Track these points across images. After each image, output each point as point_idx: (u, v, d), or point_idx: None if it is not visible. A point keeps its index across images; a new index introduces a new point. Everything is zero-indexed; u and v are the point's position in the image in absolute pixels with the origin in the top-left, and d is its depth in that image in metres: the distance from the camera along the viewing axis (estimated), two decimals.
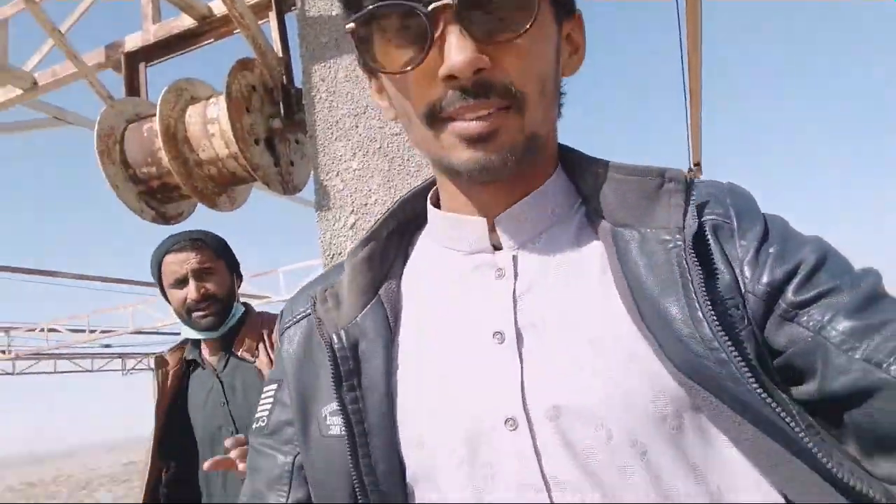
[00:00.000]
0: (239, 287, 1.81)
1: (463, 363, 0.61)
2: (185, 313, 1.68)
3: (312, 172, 1.64)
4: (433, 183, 0.70)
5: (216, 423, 1.66)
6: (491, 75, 0.54)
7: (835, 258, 0.58)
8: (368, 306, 0.66)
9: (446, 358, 0.62)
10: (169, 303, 1.74)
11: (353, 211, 1.58)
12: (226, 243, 1.77)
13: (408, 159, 1.55)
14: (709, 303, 0.54)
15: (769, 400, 0.52)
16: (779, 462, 0.54)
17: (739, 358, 0.52)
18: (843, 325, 0.53)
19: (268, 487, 0.70)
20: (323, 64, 1.69)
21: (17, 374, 10.45)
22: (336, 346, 0.64)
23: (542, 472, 0.56)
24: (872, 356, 0.51)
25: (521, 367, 0.58)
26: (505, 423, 0.57)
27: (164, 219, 2.00)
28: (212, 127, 1.79)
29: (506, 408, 0.57)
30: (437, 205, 0.69)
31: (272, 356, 1.61)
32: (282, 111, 1.90)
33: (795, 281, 0.55)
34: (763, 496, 0.54)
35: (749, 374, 0.52)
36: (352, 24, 0.56)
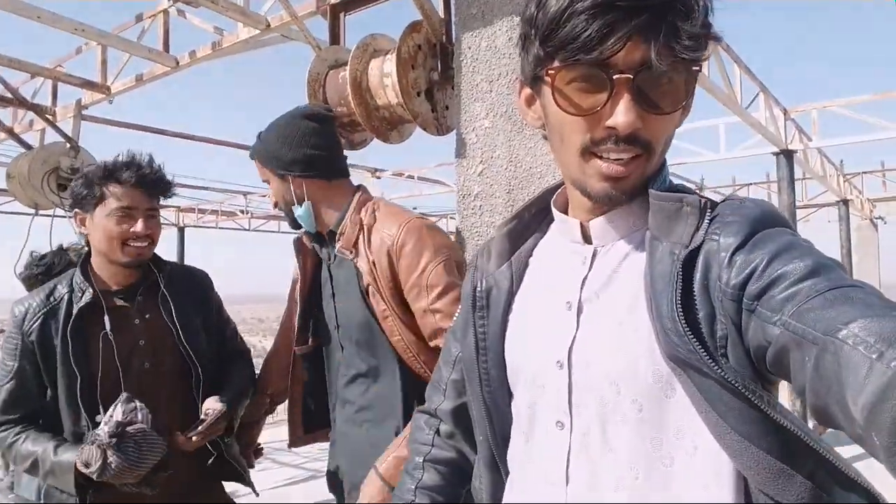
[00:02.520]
0: (315, 182, 1.65)
1: (545, 318, 0.85)
2: None
3: (456, 125, 2.09)
4: (563, 183, 0.91)
5: (329, 317, 1.69)
6: (639, 133, 0.71)
7: (790, 251, 0.65)
8: (503, 267, 0.92)
9: (537, 313, 0.86)
10: None
11: (481, 161, 2.02)
12: (270, 151, 1.64)
13: (526, 124, 1.93)
14: (680, 306, 0.68)
15: (726, 376, 0.65)
16: (724, 434, 0.67)
17: (701, 347, 0.66)
18: (776, 299, 0.62)
19: (444, 364, 1.08)
20: (470, 33, 2.08)
21: (252, 230, 12.69)
22: (477, 289, 0.92)
23: (569, 399, 0.79)
24: (787, 322, 0.60)
25: (576, 329, 0.80)
26: (556, 363, 0.81)
27: (352, 145, 2.60)
28: (386, 80, 2.30)
29: (559, 353, 0.80)
30: (557, 202, 0.91)
31: (371, 255, 1.56)
32: (439, 66, 2.34)
33: (752, 277, 0.65)
34: (717, 459, 0.70)
35: (709, 360, 0.66)
36: (553, 70, 0.72)
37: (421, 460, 1.07)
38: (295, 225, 1.71)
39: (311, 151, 1.64)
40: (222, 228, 12.55)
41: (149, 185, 1.71)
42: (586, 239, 0.85)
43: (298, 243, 1.81)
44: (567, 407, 0.79)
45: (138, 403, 1.55)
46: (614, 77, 0.69)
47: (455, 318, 1.09)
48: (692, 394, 0.69)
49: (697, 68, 0.72)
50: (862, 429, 0.53)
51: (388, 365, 1.57)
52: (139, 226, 1.69)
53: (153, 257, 1.81)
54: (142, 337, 1.72)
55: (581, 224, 0.85)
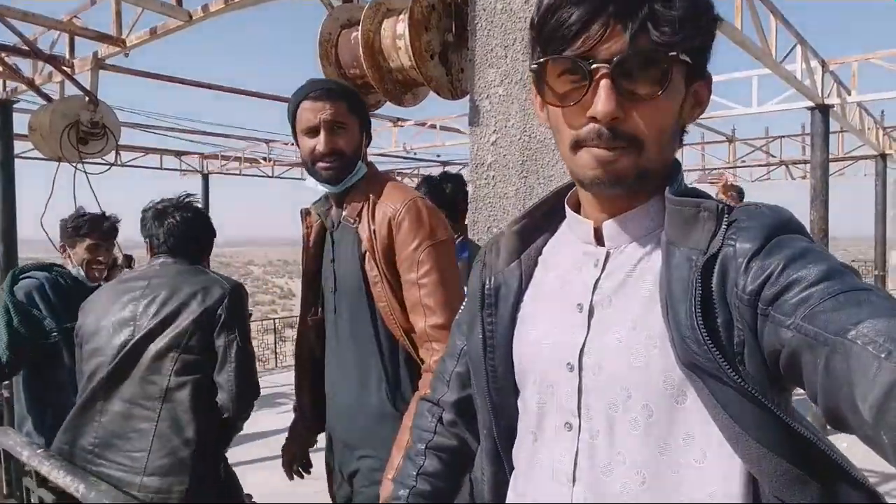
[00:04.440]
0: (367, 146, 1.79)
1: (555, 319, 0.85)
2: (311, 162, 1.68)
3: (469, 92, 2.03)
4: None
5: (328, 281, 1.76)
6: (621, 124, 0.73)
7: (804, 257, 0.66)
8: (512, 264, 0.92)
9: (547, 313, 0.87)
10: (299, 147, 1.74)
11: (494, 130, 1.96)
12: (362, 102, 1.76)
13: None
14: (701, 315, 0.68)
15: (744, 385, 0.66)
16: (740, 441, 0.68)
17: (720, 356, 0.67)
18: (789, 304, 0.63)
19: (449, 356, 1.08)
20: None
21: (274, 177, 12.73)
22: (486, 286, 0.93)
23: (579, 402, 0.80)
24: (799, 325, 0.62)
25: (587, 332, 0.80)
26: (566, 365, 0.81)
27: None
28: (399, 42, 2.22)
29: (570, 356, 0.81)
30: (570, 201, 0.91)
31: (373, 224, 1.64)
32: (454, 27, 2.25)
33: (767, 283, 0.66)
34: (726, 466, 0.70)
35: (729, 368, 0.67)
36: (535, 66, 0.77)
37: (423, 447, 1.09)
38: (329, 178, 1.67)
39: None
40: (246, 175, 12.60)
41: None
42: (598, 240, 0.84)
43: (304, 213, 1.85)
44: (576, 409, 0.80)
45: None
46: (592, 67, 0.71)
47: (460, 313, 1.10)
48: (707, 400, 0.70)
49: (675, 54, 0.72)
50: (871, 428, 0.53)
51: (372, 330, 1.65)
52: None
53: None
54: None
55: (595, 226, 0.84)
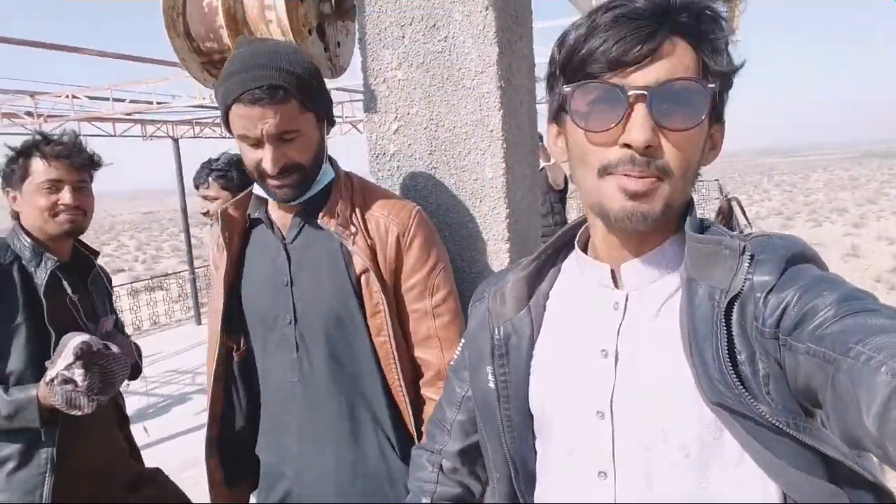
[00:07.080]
0: (329, 133, 1.46)
1: (577, 366, 0.83)
2: (258, 176, 1.35)
3: (362, 77, 1.86)
4: (585, 220, 0.89)
5: (275, 309, 1.39)
6: (656, 152, 0.72)
7: (819, 285, 0.68)
8: (521, 312, 0.90)
9: (566, 360, 0.85)
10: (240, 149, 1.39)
11: (396, 118, 1.83)
12: (316, 81, 1.35)
13: (447, 78, 1.77)
14: (728, 358, 0.69)
15: (775, 422, 0.67)
16: (780, 470, 0.70)
17: (749, 397, 0.68)
18: (806, 331, 0.65)
19: (448, 403, 1.06)
20: None
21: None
22: (495, 337, 0.90)
23: (613, 451, 0.79)
24: (810, 347, 0.64)
25: (615, 378, 0.80)
26: (596, 413, 0.80)
27: None
28: (269, 14, 1.95)
29: (599, 403, 0.80)
30: (581, 242, 0.89)
31: (371, 239, 1.36)
32: None
33: (785, 314, 0.68)
34: (761, 489, 0.72)
35: (757, 406, 0.68)
36: (569, 89, 0.75)
37: (429, 501, 1.05)
38: (286, 196, 1.34)
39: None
40: (6, 134, 10.58)
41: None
42: (615, 282, 0.83)
43: (226, 216, 1.45)
44: (610, 457, 0.79)
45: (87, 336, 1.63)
46: (629, 93, 0.70)
47: (456, 359, 1.06)
48: (741, 436, 0.71)
49: (713, 86, 0.72)
50: (878, 440, 0.55)
51: (365, 369, 1.36)
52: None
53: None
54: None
55: (611, 268, 0.83)
